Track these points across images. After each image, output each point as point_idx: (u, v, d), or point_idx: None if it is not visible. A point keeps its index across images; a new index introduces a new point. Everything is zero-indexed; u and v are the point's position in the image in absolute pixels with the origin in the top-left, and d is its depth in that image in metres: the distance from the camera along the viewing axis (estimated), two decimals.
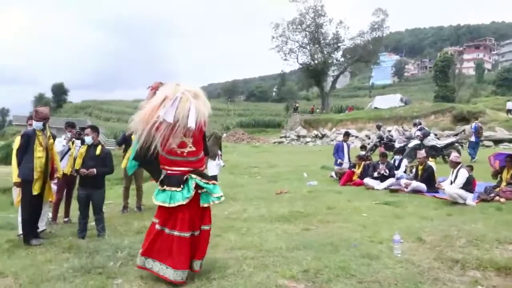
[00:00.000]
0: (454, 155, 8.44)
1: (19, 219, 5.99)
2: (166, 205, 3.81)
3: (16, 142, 5.92)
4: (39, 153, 5.68)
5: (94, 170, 5.94)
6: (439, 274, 3.94)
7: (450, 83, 53.54)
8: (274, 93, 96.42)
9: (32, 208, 5.74)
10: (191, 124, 3.75)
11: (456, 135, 19.08)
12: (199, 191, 3.87)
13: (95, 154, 6.10)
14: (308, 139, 34.48)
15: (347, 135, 13.49)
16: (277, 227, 6.25)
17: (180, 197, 3.79)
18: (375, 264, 4.17)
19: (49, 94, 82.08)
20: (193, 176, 3.88)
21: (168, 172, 3.94)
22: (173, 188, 3.83)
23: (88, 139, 6.19)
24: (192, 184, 3.83)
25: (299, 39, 48.92)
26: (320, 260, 4.26)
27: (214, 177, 9.05)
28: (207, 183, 3.92)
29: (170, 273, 3.76)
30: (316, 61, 48.33)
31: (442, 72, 53.64)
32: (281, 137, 37.35)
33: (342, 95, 74.11)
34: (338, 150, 12.57)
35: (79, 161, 6.09)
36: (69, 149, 7.30)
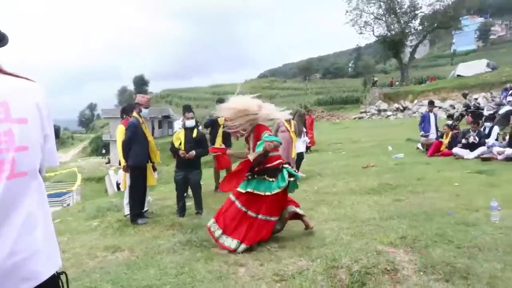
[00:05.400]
0: None
1: (125, 201, 6.57)
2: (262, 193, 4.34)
3: (120, 132, 6.39)
4: (149, 137, 6.21)
5: (194, 152, 6.24)
6: None
7: None
8: (350, 69, 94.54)
9: (140, 191, 6.29)
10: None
11: None
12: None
13: (192, 136, 6.44)
14: (389, 113, 33.54)
15: (431, 104, 12.99)
16: (368, 199, 6.36)
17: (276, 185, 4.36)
18: (473, 230, 4.16)
19: (131, 87, 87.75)
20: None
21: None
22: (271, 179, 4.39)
23: (190, 123, 6.50)
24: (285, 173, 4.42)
25: (373, 10, 47.03)
26: (416, 228, 4.38)
27: (301, 154, 9.40)
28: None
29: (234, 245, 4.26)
30: (393, 32, 46.29)
31: None
32: (361, 113, 36.68)
33: (422, 65, 70.05)
34: (424, 121, 12.21)
35: (177, 144, 6.40)
36: None
